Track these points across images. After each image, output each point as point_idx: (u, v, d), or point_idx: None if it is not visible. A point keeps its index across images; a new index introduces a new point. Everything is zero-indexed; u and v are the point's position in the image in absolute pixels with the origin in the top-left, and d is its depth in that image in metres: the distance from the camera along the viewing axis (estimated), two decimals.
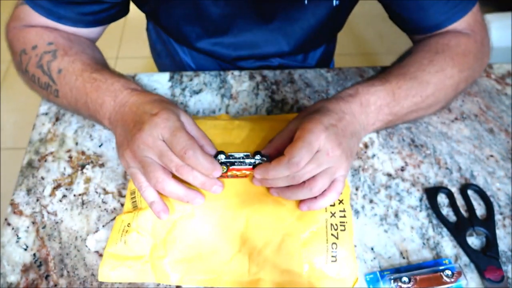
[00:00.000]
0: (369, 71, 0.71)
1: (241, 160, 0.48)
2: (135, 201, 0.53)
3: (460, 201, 0.56)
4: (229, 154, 0.48)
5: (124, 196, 0.57)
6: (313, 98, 0.67)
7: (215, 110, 0.66)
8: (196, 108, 0.66)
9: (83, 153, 0.61)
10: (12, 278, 0.51)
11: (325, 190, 0.47)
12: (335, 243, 0.49)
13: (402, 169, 0.59)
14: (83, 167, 0.60)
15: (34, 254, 0.52)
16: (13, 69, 0.61)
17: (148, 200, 0.47)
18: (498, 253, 0.51)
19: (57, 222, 0.55)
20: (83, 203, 0.56)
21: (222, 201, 0.50)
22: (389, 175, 0.59)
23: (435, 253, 0.52)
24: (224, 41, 0.72)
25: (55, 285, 0.50)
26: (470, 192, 0.57)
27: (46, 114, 0.66)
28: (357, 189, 0.57)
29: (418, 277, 0.48)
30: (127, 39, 1.96)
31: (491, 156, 0.60)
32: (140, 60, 1.83)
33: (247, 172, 0.49)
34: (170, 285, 0.50)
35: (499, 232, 0.53)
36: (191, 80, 0.70)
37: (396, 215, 0.55)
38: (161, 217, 0.47)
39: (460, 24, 0.58)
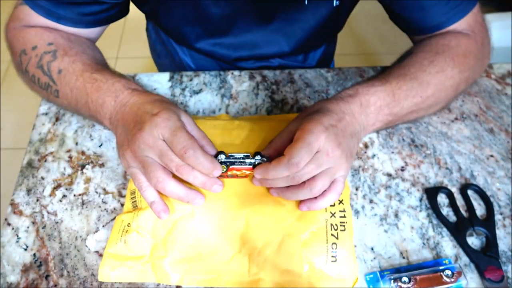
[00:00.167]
0: (369, 71, 0.71)
1: (241, 160, 0.48)
2: (135, 201, 0.53)
3: (460, 201, 0.56)
4: (229, 154, 0.48)
5: (124, 196, 0.57)
6: (313, 98, 0.67)
7: (215, 110, 0.66)
8: (196, 108, 0.66)
9: (83, 153, 0.61)
10: (12, 278, 0.51)
11: (325, 191, 0.47)
12: (335, 243, 0.49)
13: (402, 169, 0.59)
14: (83, 167, 0.60)
15: (34, 254, 0.52)
16: (13, 69, 0.61)
17: (149, 200, 0.47)
18: (498, 253, 0.51)
19: (57, 222, 0.55)
20: (83, 203, 0.56)
21: (222, 201, 0.50)
22: (389, 175, 0.59)
23: (435, 253, 0.52)
24: (224, 41, 0.72)
25: (55, 285, 0.50)
26: (470, 192, 0.57)
27: (46, 114, 0.66)
28: (357, 189, 0.57)
29: (418, 277, 0.48)
30: (127, 39, 1.96)
31: (491, 156, 0.60)
32: (140, 60, 1.83)
33: (247, 172, 0.49)
34: (170, 285, 0.50)
35: (499, 232, 0.53)
36: (191, 80, 0.70)
37: (396, 215, 0.55)
38: (161, 217, 0.47)
39: (460, 25, 0.58)
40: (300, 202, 0.49)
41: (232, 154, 0.48)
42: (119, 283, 0.50)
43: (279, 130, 0.51)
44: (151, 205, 0.47)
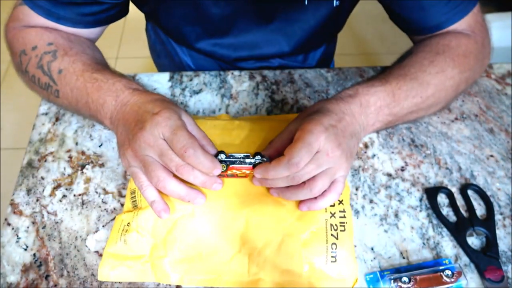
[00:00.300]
0: (369, 71, 0.71)
1: (241, 160, 0.48)
2: (135, 200, 0.53)
3: (460, 201, 0.56)
4: (229, 154, 0.48)
5: (124, 196, 0.57)
6: (313, 98, 0.67)
7: (215, 110, 0.66)
8: (196, 108, 0.66)
9: (83, 153, 0.61)
10: (12, 278, 0.51)
11: (325, 191, 0.47)
12: (334, 244, 0.49)
13: (402, 169, 0.59)
14: (83, 167, 0.60)
15: (34, 254, 0.52)
16: (13, 69, 0.61)
17: (149, 199, 0.47)
18: (498, 253, 0.51)
19: (57, 222, 0.55)
20: (83, 203, 0.56)
21: (222, 201, 0.50)
22: (389, 175, 0.59)
23: (435, 253, 0.52)
24: (224, 41, 0.72)
25: (55, 285, 0.50)
26: (470, 192, 0.57)
27: (46, 114, 0.66)
28: (357, 189, 0.57)
29: (418, 277, 0.48)
30: (127, 39, 1.96)
31: (491, 156, 0.60)
32: (140, 60, 1.83)
33: (247, 172, 0.49)
34: (170, 285, 0.50)
35: (499, 232, 0.53)
36: (191, 80, 0.70)
37: (396, 215, 0.55)
38: (162, 216, 0.47)
39: (460, 25, 0.58)
40: (300, 202, 0.49)
41: (232, 154, 0.49)
42: (119, 282, 0.50)
43: (279, 130, 0.51)
44: (152, 204, 0.47)
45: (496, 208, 0.55)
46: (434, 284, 0.48)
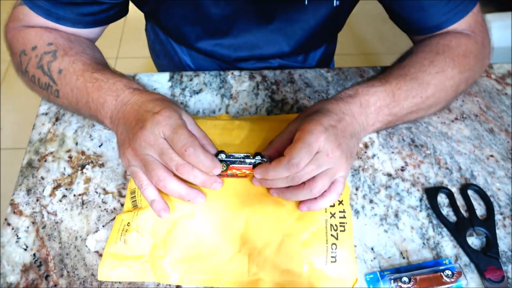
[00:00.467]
0: (369, 71, 0.71)
1: (241, 160, 0.48)
2: (135, 200, 0.53)
3: (460, 201, 0.56)
4: (229, 154, 0.49)
5: (124, 196, 0.57)
6: (313, 98, 0.67)
7: (215, 110, 0.66)
8: (196, 108, 0.66)
9: (83, 153, 0.61)
10: (12, 278, 0.51)
11: (325, 191, 0.47)
12: (334, 244, 0.49)
13: (402, 169, 0.59)
14: (83, 167, 0.60)
15: (34, 254, 0.52)
16: (13, 69, 0.61)
17: (149, 198, 0.47)
18: (498, 253, 0.51)
19: (57, 222, 0.55)
20: (83, 203, 0.56)
21: (222, 201, 0.50)
22: (389, 175, 0.59)
23: (435, 253, 0.52)
24: (224, 42, 0.72)
25: (55, 285, 0.50)
26: (470, 192, 0.57)
27: (46, 114, 0.66)
28: (357, 189, 0.57)
29: (418, 277, 0.48)
30: (127, 39, 1.96)
31: (491, 156, 0.60)
32: (140, 60, 1.83)
33: (247, 172, 0.49)
34: (170, 285, 0.50)
35: (499, 232, 0.53)
36: (191, 80, 0.70)
37: (396, 215, 0.55)
38: (162, 216, 0.47)
39: (460, 25, 0.58)
40: (300, 203, 0.49)
41: (232, 154, 0.49)
42: (119, 282, 0.50)
43: (279, 130, 0.51)
44: (152, 203, 0.47)
45: (496, 208, 0.55)
46: (434, 284, 0.48)
